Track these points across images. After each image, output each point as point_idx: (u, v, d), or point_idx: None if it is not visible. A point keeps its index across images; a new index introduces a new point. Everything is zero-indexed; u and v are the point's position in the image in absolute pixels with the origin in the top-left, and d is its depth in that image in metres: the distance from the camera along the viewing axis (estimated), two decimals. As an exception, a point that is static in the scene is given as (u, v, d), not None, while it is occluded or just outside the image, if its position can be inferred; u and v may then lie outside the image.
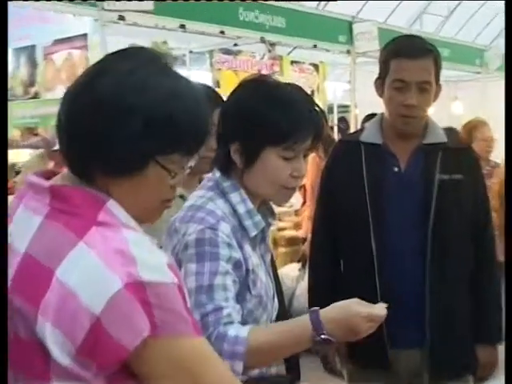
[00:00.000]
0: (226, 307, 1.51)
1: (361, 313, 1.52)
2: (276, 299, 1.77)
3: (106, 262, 1.06)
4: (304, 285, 4.62)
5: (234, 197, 1.65)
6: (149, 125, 1.13)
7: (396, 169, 2.29)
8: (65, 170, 1.21)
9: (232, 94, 1.70)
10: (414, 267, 2.24)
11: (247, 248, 1.64)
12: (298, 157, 1.64)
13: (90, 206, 1.13)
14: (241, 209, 1.64)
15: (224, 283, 1.53)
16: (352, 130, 8.33)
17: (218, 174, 1.68)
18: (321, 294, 2.33)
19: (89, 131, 1.13)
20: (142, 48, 1.23)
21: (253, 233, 1.66)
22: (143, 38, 6.22)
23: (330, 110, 9.43)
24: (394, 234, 2.25)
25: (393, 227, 2.25)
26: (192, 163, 1.24)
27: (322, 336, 1.49)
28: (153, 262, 1.10)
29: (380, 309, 1.55)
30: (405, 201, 2.27)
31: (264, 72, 7.02)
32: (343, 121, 9.84)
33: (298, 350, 1.58)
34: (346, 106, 9.46)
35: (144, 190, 1.18)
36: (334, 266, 2.40)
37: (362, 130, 2.51)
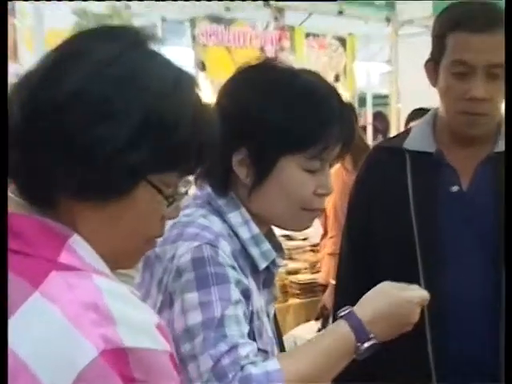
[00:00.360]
0: (242, 345, 1.54)
1: (413, 299, 1.69)
2: None
3: (72, 321, 1.05)
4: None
5: (234, 217, 1.69)
6: (141, 130, 1.13)
7: (455, 188, 2.30)
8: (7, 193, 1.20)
9: (228, 85, 1.74)
10: (481, 325, 2.25)
11: (251, 282, 1.68)
12: (323, 168, 1.69)
13: (47, 242, 1.13)
14: (243, 233, 1.69)
15: (236, 314, 1.56)
16: (393, 131, 8.36)
17: (208, 189, 1.72)
18: (350, 365, 2.33)
19: (56, 137, 1.12)
20: (127, 27, 1.24)
21: (262, 264, 1.70)
22: (95, 1, 6.23)
23: (362, 102, 9.46)
24: (453, 278, 2.26)
25: (450, 268, 2.27)
26: (188, 187, 1.26)
27: (366, 344, 1.63)
28: (137, 320, 1.10)
29: (418, 289, 1.78)
30: (467, 232, 2.28)
31: (269, 48, 7.05)
32: (380, 118, 9.87)
33: (341, 368, 1.68)
34: (385, 97, 9.48)
35: (127, 221, 1.19)
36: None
37: (407, 132, 2.53)
